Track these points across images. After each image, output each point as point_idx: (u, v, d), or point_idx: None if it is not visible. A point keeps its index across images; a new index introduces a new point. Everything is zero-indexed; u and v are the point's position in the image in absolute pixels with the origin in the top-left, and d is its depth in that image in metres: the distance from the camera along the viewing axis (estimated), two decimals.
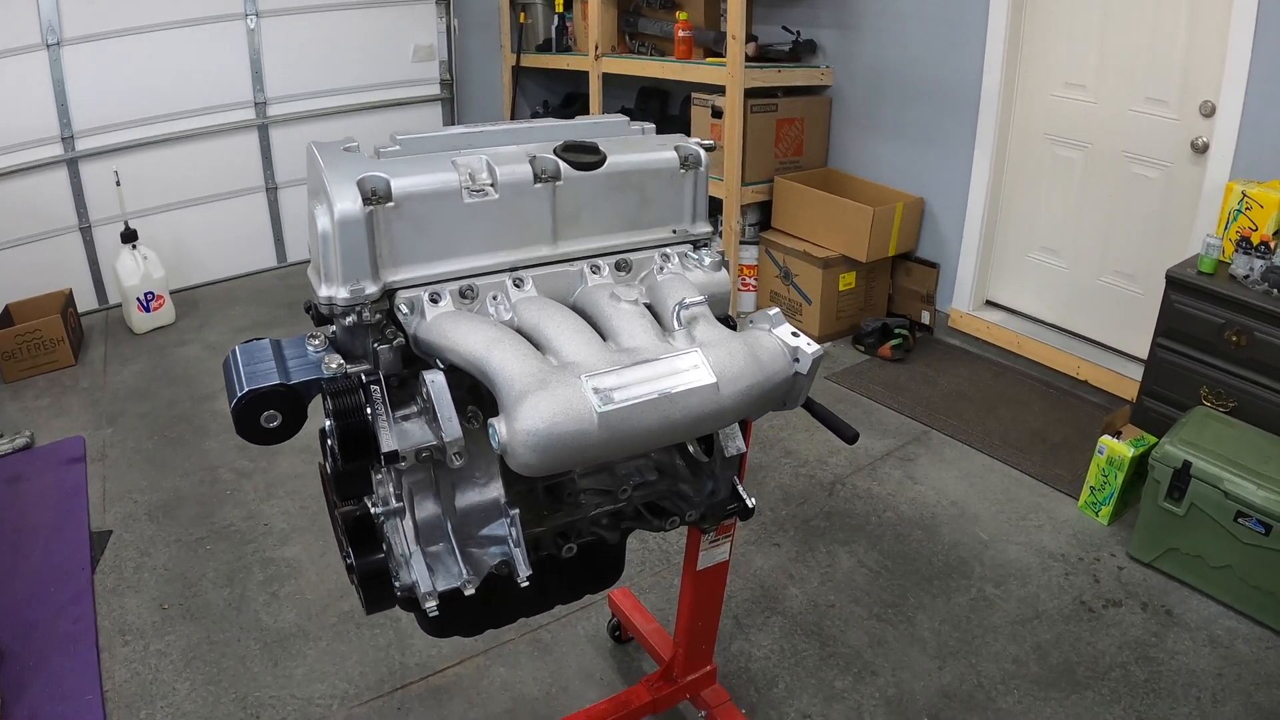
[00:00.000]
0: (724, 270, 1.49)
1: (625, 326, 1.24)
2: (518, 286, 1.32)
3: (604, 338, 1.25)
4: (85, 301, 4.83)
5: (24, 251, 4.63)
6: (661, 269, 1.44)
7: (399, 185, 1.21)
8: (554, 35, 5.82)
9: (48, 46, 4.43)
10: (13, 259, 4.59)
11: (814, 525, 3.10)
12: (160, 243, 4.74)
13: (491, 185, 1.28)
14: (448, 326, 1.20)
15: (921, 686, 2.43)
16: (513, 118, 6.24)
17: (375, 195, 1.19)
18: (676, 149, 1.46)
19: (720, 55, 4.63)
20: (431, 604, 1.25)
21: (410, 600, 1.29)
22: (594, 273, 1.39)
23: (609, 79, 5.33)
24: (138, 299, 4.51)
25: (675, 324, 1.26)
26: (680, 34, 4.82)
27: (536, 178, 1.30)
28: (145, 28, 4.67)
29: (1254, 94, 3.19)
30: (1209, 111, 3.39)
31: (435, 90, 6.00)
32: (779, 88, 4.68)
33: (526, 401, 1.06)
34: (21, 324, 4.16)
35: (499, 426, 1.07)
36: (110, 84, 4.66)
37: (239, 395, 1.14)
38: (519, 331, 1.24)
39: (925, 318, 4.66)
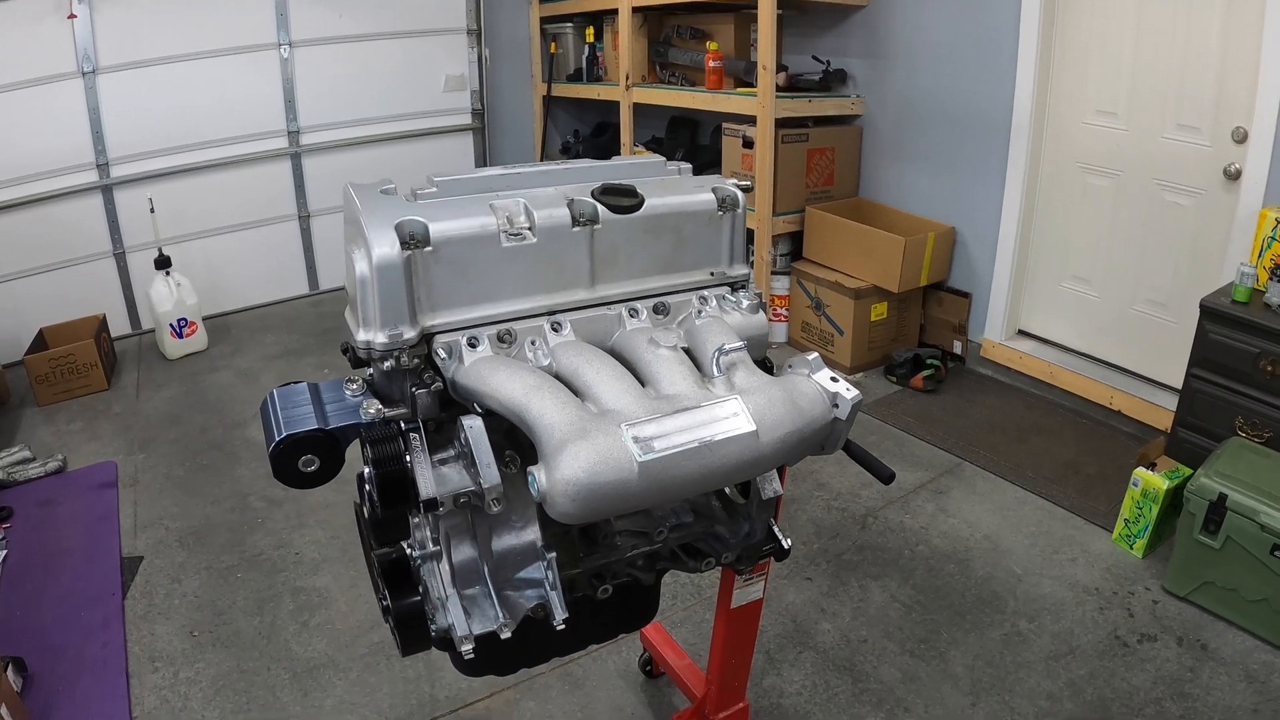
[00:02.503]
0: (761, 313, 1.49)
1: (664, 373, 1.24)
2: (556, 331, 1.32)
3: (643, 383, 1.25)
4: (119, 327, 4.90)
5: (59, 276, 4.70)
6: (699, 312, 1.44)
7: (437, 229, 1.21)
8: (585, 65, 5.88)
9: (83, 74, 4.51)
10: (47, 284, 4.67)
11: (846, 559, 3.08)
12: (193, 269, 4.80)
13: (529, 229, 1.29)
14: (486, 372, 1.20)
15: None
16: (544, 147, 6.30)
17: (413, 240, 1.20)
18: (714, 190, 1.45)
19: (751, 85, 4.65)
20: (468, 647, 1.25)
21: (446, 642, 1.29)
22: (632, 316, 1.38)
23: (639, 108, 5.36)
24: (170, 325, 4.56)
25: (714, 370, 1.25)
26: (711, 64, 4.85)
27: (574, 221, 1.31)
28: (179, 57, 4.75)
29: None
30: (1241, 138, 3.36)
31: (467, 120, 6.05)
32: (809, 117, 4.70)
33: (567, 451, 1.05)
34: (55, 348, 4.22)
35: (539, 475, 1.06)
36: (144, 112, 4.74)
37: (277, 440, 1.14)
38: (557, 377, 1.23)
39: (957, 348, 4.63)
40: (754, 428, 1.17)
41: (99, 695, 2.44)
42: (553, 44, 6.00)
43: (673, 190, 1.43)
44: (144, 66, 4.68)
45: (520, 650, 1.49)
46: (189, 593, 2.86)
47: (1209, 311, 3.09)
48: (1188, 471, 3.03)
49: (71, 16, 4.37)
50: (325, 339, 4.91)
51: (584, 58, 5.88)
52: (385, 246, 1.16)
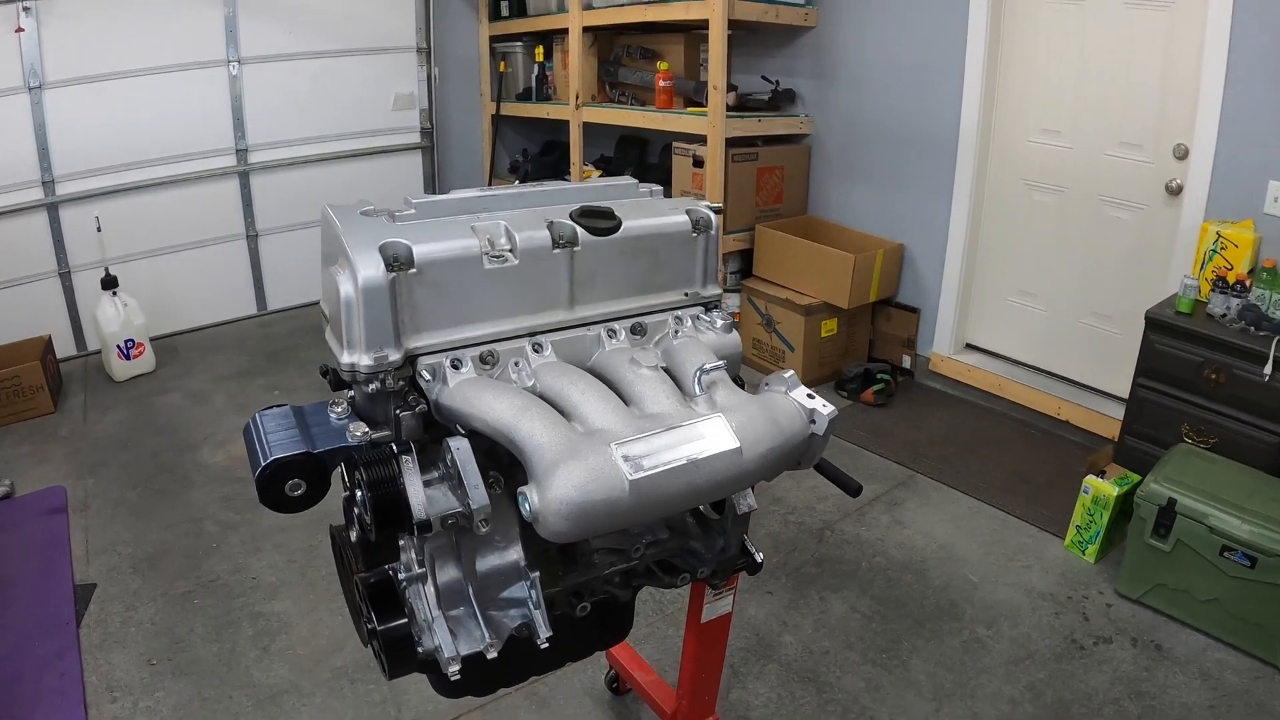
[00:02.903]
0: (735, 332, 1.52)
1: (648, 392, 1.26)
2: (537, 351, 1.33)
3: (626, 402, 1.27)
4: (64, 348, 4.77)
5: (2, 296, 4.58)
6: (676, 333, 1.46)
7: (421, 251, 1.22)
8: (534, 84, 5.89)
9: (29, 89, 4.41)
10: None
11: (805, 572, 3.11)
12: (140, 289, 4.70)
13: (511, 251, 1.30)
14: (472, 394, 1.21)
15: None
16: (492, 166, 6.30)
17: (397, 261, 1.20)
18: (688, 212, 1.48)
19: (700, 104, 4.70)
20: (455, 668, 1.25)
21: (431, 664, 1.29)
22: (610, 337, 1.40)
23: (588, 128, 5.39)
24: (118, 346, 4.46)
25: (696, 389, 1.28)
26: (661, 84, 4.89)
27: (555, 243, 1.32)
28: (127, 73, 4.66)
29: (1226, 136, 3.29)
30: (1182, 154, 3.49)
31: (416, 139, 6.02)
32: (759, 137, 4.75)
33: (559, 471, 1.07)
34: (0, 370, 4.11)
35: (530, 495, 1.08)
36: (92, 129, 4.64)
37: (264, 464, 1.14)
38: (541, 397, 1.25)
39: (906, 362, 4.71)
40: (738, 444, 1.19)
41: None
42: (502, 63, 6.01)
43: (648, 212, 1.45)
44: (91, 82, 4.58)
45: (500, 670, 1.49)
46: (145, 620, 2.80)
47: (1154, 323, 3.20)
48: (1136, 478, 3.13)
49: (18, 30, 4.28)
50: (275, 360, 4.84)
51: (533, 77, 5.90)
52: (371, 268, 1.16)
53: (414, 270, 1.21)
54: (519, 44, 5.95)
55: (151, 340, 4.66)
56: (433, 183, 6.16)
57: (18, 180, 4.51)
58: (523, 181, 5.79)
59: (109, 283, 4.50)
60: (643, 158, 5.74)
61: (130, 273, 4.73)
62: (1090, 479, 3.16)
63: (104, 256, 4.61)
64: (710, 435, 1.18)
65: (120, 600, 2.88)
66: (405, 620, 1.25)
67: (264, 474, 1.14)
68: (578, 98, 5.26)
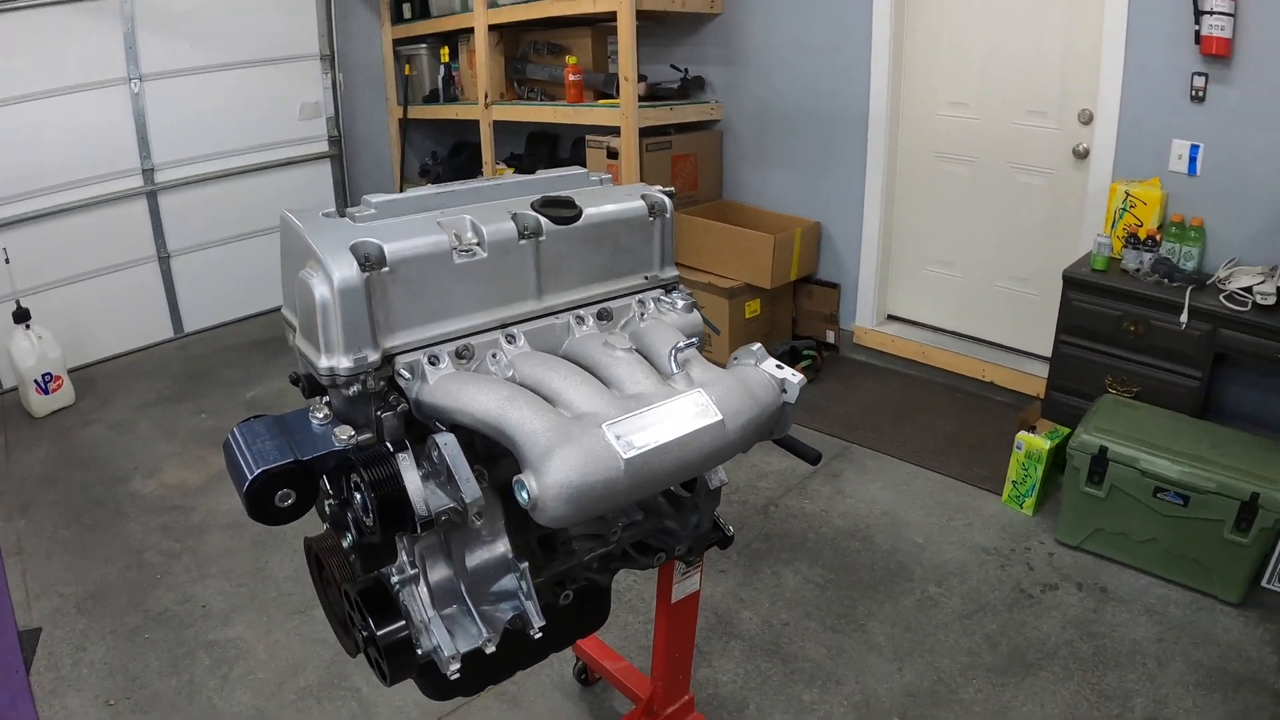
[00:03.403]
0: (696, 311, 1.54)
1: (627, 374, 1.27)
2: (511, 343, 1.33)
3: (605, 385, 1.28)
4: None
5: None
6: (641, 316, 1.48)
7: (392, 250, 1.21)
8: (441, 85, 5.82)
9: None
10: None
11: (755, 548, 3.16)
12: (54, 320, 4.50)
13: (478, 244, 1.30)
14: (455, 388, 1.21)
15: (885, 689, 2.51)
16: (402, 171, 6.21)
17: (369, 261, 1.19)
18: (644, 198, 1.50)
19: (610, 96, 4.72)
20: (455, 667, 1.25)
21: (428, 666, 1.29)
22: (579, 324, 1.42)
23: (497, 126, 5.36)
24: (35, 381, 4.27)
25: (673, 367, 1.30)
26: (570, 78, 4.88)
27: (521, 234, 1.33)
28: (25, 97, 4.45)
29: (1129, 99, 3.45)
30: (1087, 119, 3.64)
31: (324, 147, 5.90)
32: (672, 125, 4.78)
33: (556, 455, 1.08)
34: None
35: (529, 482, 1.08)
36: None
37: (251, 477, 1.12)
38: (522, 386, 1.25)
39: (830, 337, 4.80)
40: (720, 417, 1.22)
41: None
42: (407, 66, 5.93)
43: (606, 199, 1.47)
44: None
45: (490, 667, 1.49)
46: (97, 660, 2.70)
47: (1071, 281, 3.33)
48: (1066, 431, 3.26)
49: None
50: (197, 383, 4.71)
51: (440, 78, 5.83)
52: (345, 269, 1.15)
53: (387, 269, 1.20)
54: (423, 46, 5.88)
55: (69, 372, 4.49)
56: (343, 191, 6.05)
57: None
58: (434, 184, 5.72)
59: (21, 315, 4.30)
60: (554, 153, 5.72)
61: (42, 304, 4.53)
62: (1022, 435, 3.28)
63: (14, 289, 4.41)
64: (694, 410, 1.21)
65: (68, 642, 2.78)
66: (403, 623, 1.24)
67: (252, 487, 1.12)
68: (487, 96, 5.23)
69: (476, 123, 5.38)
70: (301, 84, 5.64)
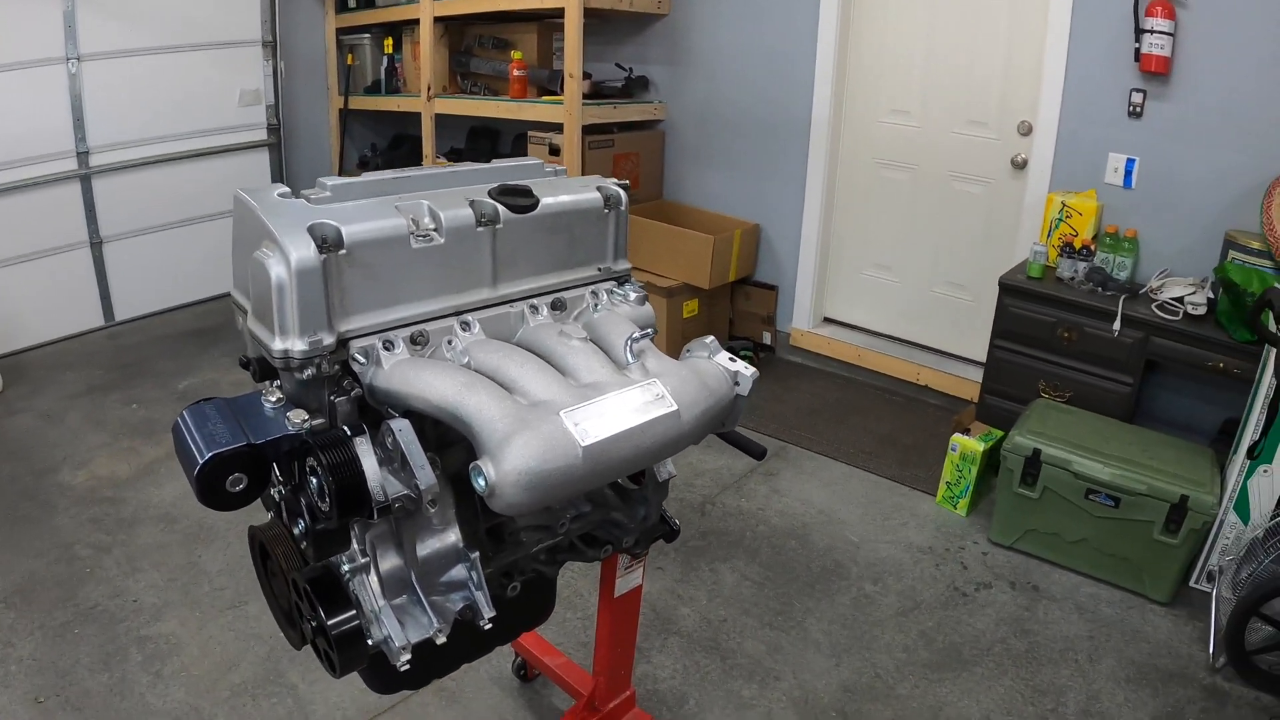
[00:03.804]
0: (648, 304, 1.55)
1: (582, 363, 1.27)
2: (466, 330, 1.33)
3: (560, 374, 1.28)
4: None
5: None
6: (595, 307, 1.49)
7: (350, 232, 1.20)
8: (383, 76, 5.75)
9: None
10: None
11: (692, 546, 3.18)
12: None
13: (435, 230, 1.29)
14: (411, 374, 1.20)
15: (824, 685, 2.55)
16: (341, 162, 6.12)
17: (326, 243, 1.18)
18: (599, 189, 1.51)
19: (554, 93, 4.71)
20: (405, 658, 1.24)
21: (377, 657, 1.28)
22: (533, 313, 1.42)
23: (437, 120, 5.31)
24: None
25: (628, 357, 1.31)
26: (515, 73, 4.86)
27: (478, 221, 1.32)
28: None
29: (1068, 113, 3.55)
30: (1026, 131, 3.73)
31: (262, 135, 5.79)
32: (614, 123, 4.79)
33: (515, 442, 1.08)
34: None
35: (486, 468, 1.08)
36: None
37: (203, 461, 1.10)
38: (478, 373, 1.25)
39: (767, 338, 4.86)
40: (676, 407, 1.23)
41: None
42: (349, 55, 5.83)
43: (562, 190, 1.47)
44: None
45: (436, 660, 1.48)
46: (25, 656, 2.61)
47: (1007, 288, 3.42)
48: (999, 433, 3.34)
49: None
50: (129, 373, 4.58)
51: (382, 69, 5.75)
52: (303, 250, 1.13)
53: (344, 251, 1.19)
54: (367, 36, 5.79)
55: None
56: (281, 179, 5.94)
57: None
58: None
59: None
60: (494, 148, 5.69)
61: None
62: (957, 437, 3.35)
63: None
64: (650, 399, 1.21)
65: None
66: (354, 613, 1.23)
67: (203, 471, 1.10)
68: (429, 89, 5.18)
69: (418, 115, 5.32)
70: (242, 71, 5.53)
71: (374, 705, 2.44)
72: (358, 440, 1.13)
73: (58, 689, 2.49)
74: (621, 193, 1.54)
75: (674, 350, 1.39)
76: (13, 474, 3.60)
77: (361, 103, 5.89)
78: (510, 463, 1.07)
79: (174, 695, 2.48)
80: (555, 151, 4.60)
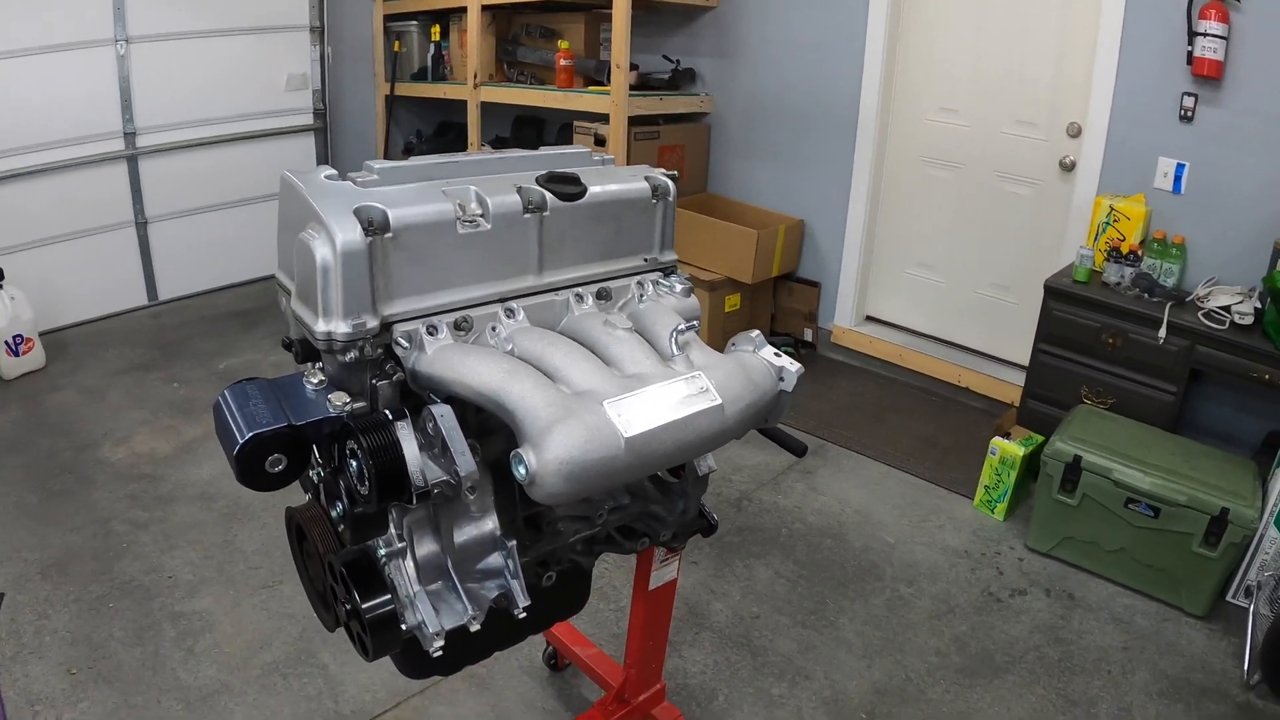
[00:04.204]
0: (693, 296, 1.54)
1: (627, 353, 1.26)
2: (510, 317, 1.32)
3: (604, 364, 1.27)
4: None
5: None
6: (640, 297, 1.47)
7: (396, 215, 1.19)
8: (430, 64, 5.77)
9: None
10: None
11: (728, 541, 3.16)
12: (26, 282, 4.41)
13: (482, 215, 1.28)
14: (455, 359, 1.19)
15: (854, 686, 2.52)
16: (386, 148, 6.15)
17: (373, 225, 1.17)
18: (647, 179, 1.49)
19: (600, 83, 4.69)
20: (438, 644, 1.24)
21: (410, 642, 1.27)
22: (578, 301, 1.40)
23: (483, 108, 5.32)
24: (6, 342, 4.19)
25: (673, 349, 1.29)
26: (562, 63, 4.85)
27: (525, 208, 1.31)
28: (7, 54, 4.35)
29: (1118, 115, 3.48)
30: (1076, 132, 3.66)
31: (309, 120, 5.84)
32: (660, 115, 4.76)
33: (557, 431, 1.06)
34: None
35: (527, 457, 1.07)
36: None
37: (243, 440, 1.09)
38: (522, 361, 1.24)
39: (808, 335, 4.82)
40: (720, 401, 1.21)
41: None
42: (396, 42, 5.86)
43: (610, 179, 1.46)
44: None
45: (469, 646, 1.47)
46: (60, 628, 2.65)
47: (1053, 291, 3.36)
48: (1040, 439, 3.29)
49: None
50: (170, 352, 4.64)
51: (429, 56, 5.77)
52: (349, 232, 1.13)
53: (390, 235, 1.18)
54: (414, 23, 5.81)
55: (40, 335, 4.40)
56: (327, 165, 5.96)
57: None
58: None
59: None
60: (539, 137, 5.69)
61: (15, 264, 4.43)
62: (997, 440, 3.30)
63: None
64: (694, 392, 1.20)
65: (31, 609, 2.72)
66: (389, 598, 1.22)
67: (243, 450, 1.10)
68: (476, 77, 5.19)
69: (463, 103, 5.33)
70: (289, 55, 5.58)
71: (404, 688, 2.45)
72: (399, 425, 1.12)
73: (90, 661, 2.53)
74: (670, 183, 1.52)
75: (716, 345, 1.38)
76: (53, 448, 3.65)
77: (408, 89, 5.91)
78: (552, 452, 1.06)
79: (205, 671, 2.50)
80: (601, 142, 4.59)
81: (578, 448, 1.06)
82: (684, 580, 2.93)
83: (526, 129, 5.72)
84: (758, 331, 1.40)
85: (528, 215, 1.32)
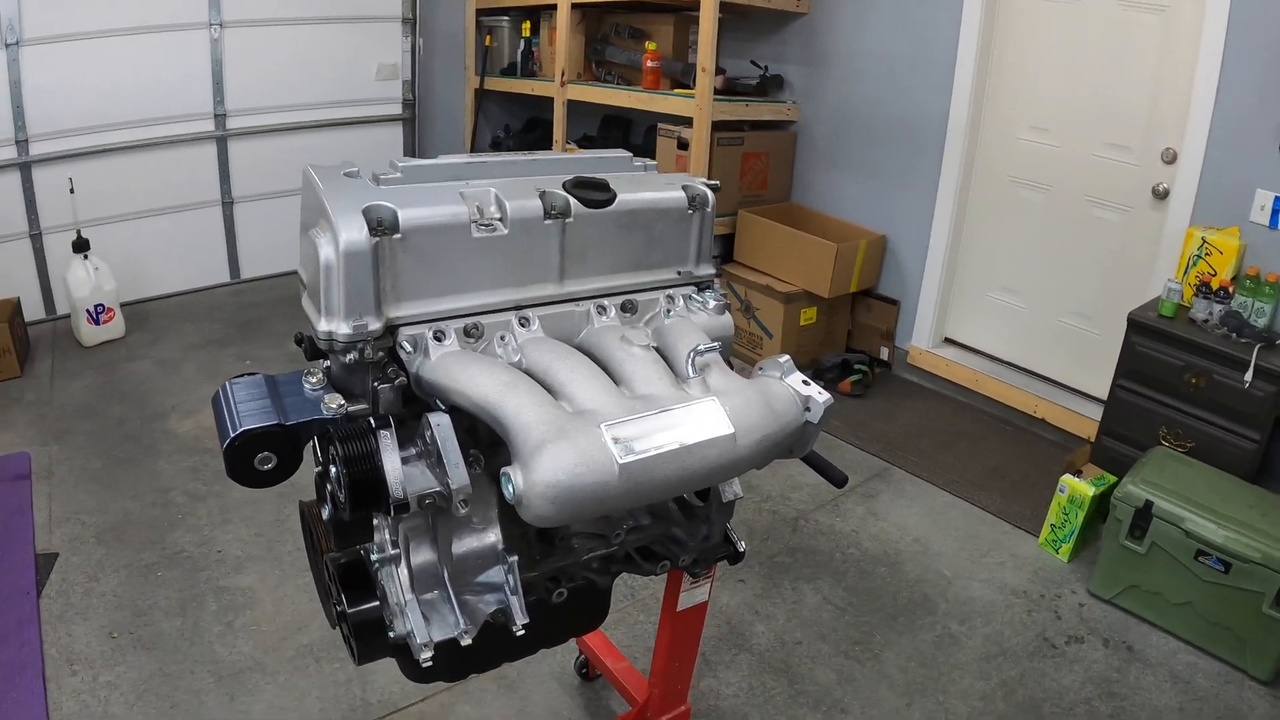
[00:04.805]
0: (727, 314, 1.47)
1: (639, 372, 1.21)
2: (524, 326, 1.28)
3: (616, 382, 1.22)
4: (33, 311, 4.63)
5: None
6: (668, 312, 1.42)
7: (406, 216, 1.16)
8: (519, 59, 5.81)
9: (6, 46, 4.27)
10: None
11: (779, 562, 3.09)
12: (112, 254, 4.57)
13: (500, 220, 1.24)
14: (456, 368, 1.15)
15: None
16: (474, 142, 6.21)
17: (381, 226, 1.14)
18: (684, 189, 1.43)
19: (687, 87, 4.65)
20: (427, 654, 1.20)
21: (402, 648, 1.24)
22: (600, 314, 1.35)
23: (572, 106, 5.32)
24: (87, 311, 4.35)
25: (689, 371, 1.23)
26: (649, 64, 4.82)
27: (547, 214, 1.27)
28: (106, 32, 4.53)
29: (1215, 143, 3.29)
30: (1171, 159, 3.48)
31: (397, 110, 5.92)
32: (745, 121, 4.71)
33: (546, 452, 1.02)
34: None
35: (514, 476, 1.02)
36: (69, 88, 4.51)
37: (233, 435, 1.08)
38: (528, 374, 1.20)
39: (884, 354, 4.69)
40: (732, 430, 1.15)
41: (14, 700, 2.30)
42: (488, 37, 5.92)
43: (644, 186, 1.40)
44: (69, 41, 4.44)
45: (472, 656, 1.44)
46: (108, 592, 2.72)
47: (1136, 325, 3.19)
48: (1113, 479, 3.13)
49: None
50: (247, 330, 4.76)
51: (519, 52, 5.82)
52: (353, 232, 1.10)
53: (398, 235, 1.15)
54: (506, 18, 5.87)
55: (122, 306, 4.56)
56: (413, 155, 6.04)
57: None
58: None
59: (80, 246, 4.38)
60: (626, 138, 5.68)
61: (102, 236, 4.61)
62: (1066, 478, 3.15)
63: (76, 219, 4.49)
64: (704, 419, 1.14)
65: (83, 571, 2.81)
66: (376, 603, 1.20)
67: (232, 446, 1.08)
68: (563, 75, 5.19)
69: (551, 100, 5.34)
70: (381, 45, 5.66)
71: (433, 685, 2.43)
72: (382, 434, 1.08)
73: (132, 627, 2.59)
74: (709, 193, 1.46)
75: (791, 355, 1.31)
76: (123, 416, 3.76)
77: (497, 84, 5.96)
78: (539, 474, 1.01)
79: (241, 647, 2.54)
80: (683, 146, 4.55)
81: (565, 471, 1.01)
82: (729, 598, 2.87)
83: (614, 129, 5.72)
84: (787, 356, 1.33)
85: (549, 221, 1.27)
